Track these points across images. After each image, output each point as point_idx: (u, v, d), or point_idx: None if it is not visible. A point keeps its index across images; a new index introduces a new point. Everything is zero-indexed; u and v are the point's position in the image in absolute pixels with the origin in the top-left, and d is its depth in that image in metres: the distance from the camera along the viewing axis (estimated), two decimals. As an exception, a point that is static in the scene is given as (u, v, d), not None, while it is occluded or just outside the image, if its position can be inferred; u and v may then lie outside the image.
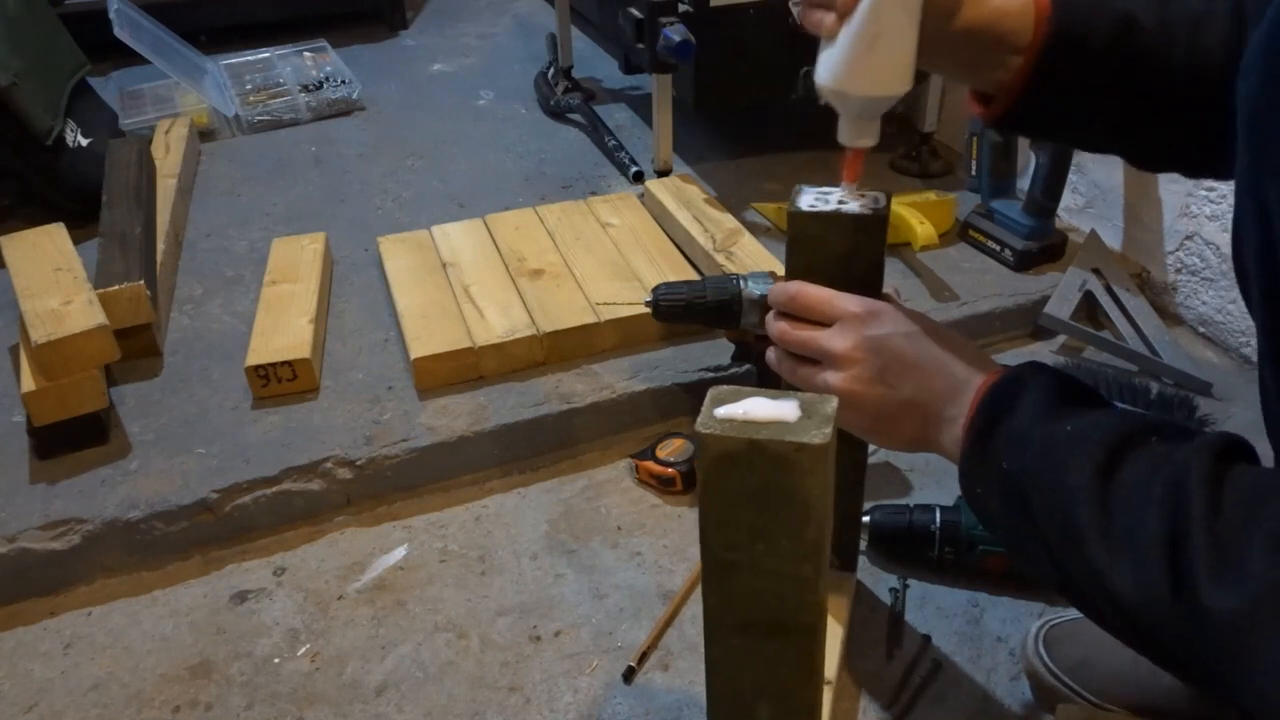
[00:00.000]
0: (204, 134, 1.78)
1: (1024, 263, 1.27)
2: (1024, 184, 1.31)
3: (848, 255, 0.71)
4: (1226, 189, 1.13)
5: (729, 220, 1.32)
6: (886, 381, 0.65)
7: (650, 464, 1.03)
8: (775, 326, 0.71)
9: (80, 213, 1.40)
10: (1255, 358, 1.13)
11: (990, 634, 0.87)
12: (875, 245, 0.71)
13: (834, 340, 0.67)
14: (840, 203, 0.70)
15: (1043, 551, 0.54)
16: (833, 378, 0.67)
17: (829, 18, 0.61)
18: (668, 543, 0.98)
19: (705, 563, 0.59)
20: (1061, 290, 1.22)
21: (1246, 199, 0.51)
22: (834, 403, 0.54)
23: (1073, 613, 0.83)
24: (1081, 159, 1.35)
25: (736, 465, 0.52)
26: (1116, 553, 0.49)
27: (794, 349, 0.70)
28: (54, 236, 1.24)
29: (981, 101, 0.68)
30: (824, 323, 0.69)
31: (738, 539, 0.56)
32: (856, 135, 0.67)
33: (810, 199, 0.71)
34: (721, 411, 0.54)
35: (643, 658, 0.86)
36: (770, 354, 0.73)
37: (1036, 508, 0.54)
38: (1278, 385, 0.53)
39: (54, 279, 1.13)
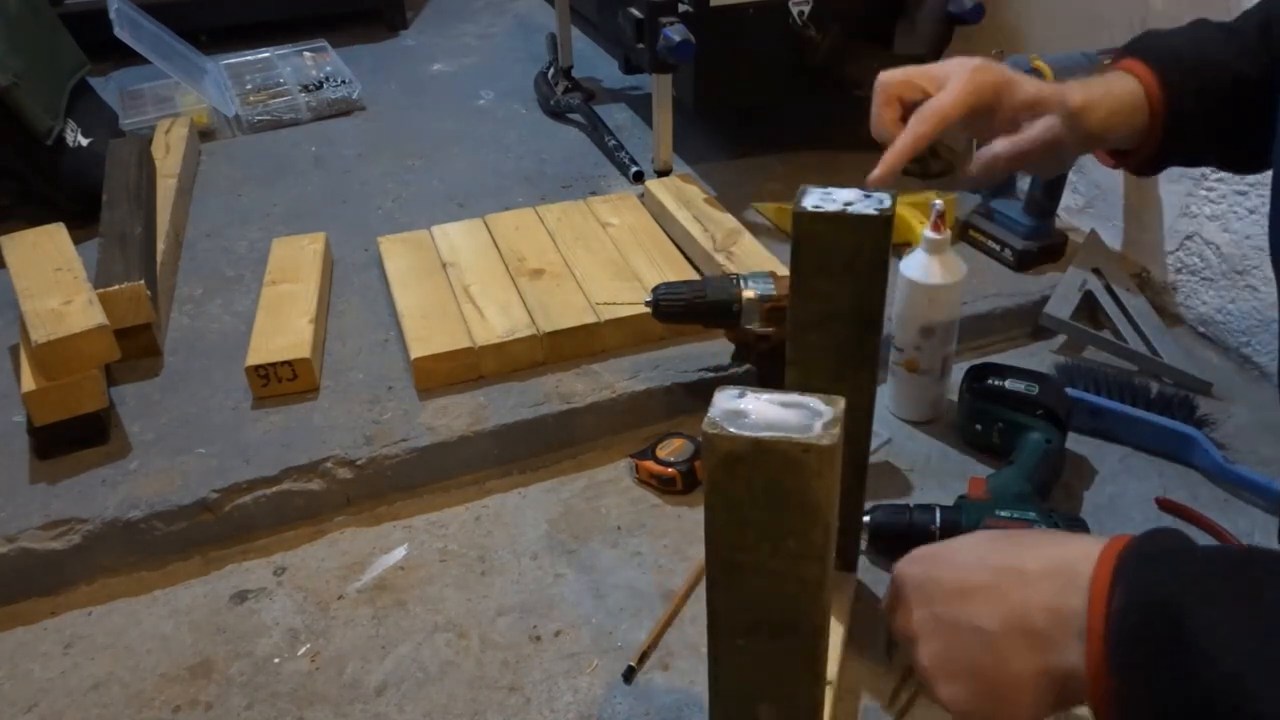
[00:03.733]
0: (204, 134, 1.78)
1: (1024, 262, 1.27)
2: (1024, 184, 1.31)
3: (852, 255, 0.71)
4: (1226, 188, 1.13)
5: (729, 220, 1.32)
6: (944, 620, 0.53)
7: (650, 464, 1.03)
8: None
9: (80, 213, 1.40)
10: (1255, 358, 1.13)
11: (991, 634, 0.87)
12: (880, 246, 0.71)
13: (894, 616, 0.59)
14: (846, 203, 0.70)
15: None
16: (914, 657, 0.57)
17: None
18: (668, 543, 0.98)
19: (711, 564, 0.59)
20: (1061, 290, 1.22)
21: None
22: (842, 402, 0.54)
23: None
24: (1080, 159, 1.34)
25: (743, 466, 0.52)
26: None
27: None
28: (54, 236, 1.24)
29: (1112, 155, 0.81)
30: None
31: (744, 540, 0.56)
32: None
33: (816, 199, 0.71)
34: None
35: (643, 658, 0.86)
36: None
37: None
38: None
39: (54, 279, 1.13)
